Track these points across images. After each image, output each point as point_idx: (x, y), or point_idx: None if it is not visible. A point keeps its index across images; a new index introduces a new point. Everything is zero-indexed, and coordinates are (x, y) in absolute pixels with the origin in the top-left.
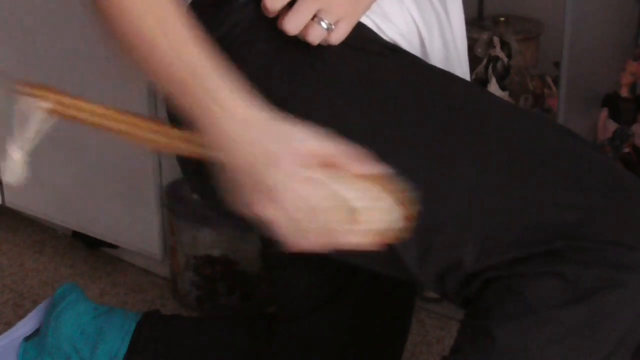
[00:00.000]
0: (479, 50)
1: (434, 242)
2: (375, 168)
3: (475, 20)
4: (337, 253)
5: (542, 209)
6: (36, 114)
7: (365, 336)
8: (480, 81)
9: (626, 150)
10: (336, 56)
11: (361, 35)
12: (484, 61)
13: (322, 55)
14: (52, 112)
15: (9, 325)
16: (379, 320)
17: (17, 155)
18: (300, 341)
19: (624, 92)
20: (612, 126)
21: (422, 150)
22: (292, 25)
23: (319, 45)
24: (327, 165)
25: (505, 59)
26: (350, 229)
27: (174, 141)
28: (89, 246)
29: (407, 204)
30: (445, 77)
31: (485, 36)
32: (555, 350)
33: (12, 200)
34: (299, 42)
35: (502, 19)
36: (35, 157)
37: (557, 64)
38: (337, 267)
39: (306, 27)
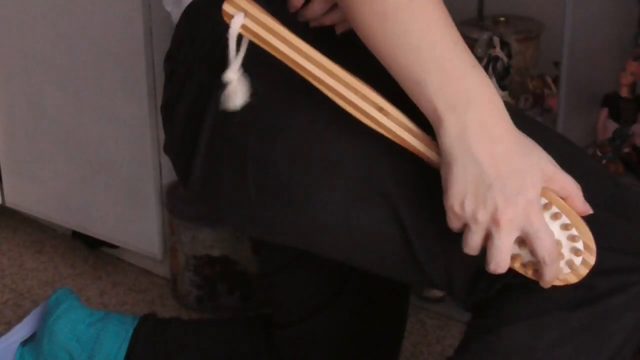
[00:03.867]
0: (479, 50)
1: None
2: (586, 208)
3: (475, 20)
4: (356, 262)
5: None
6: (235, 31)
7: (362, 337)
8: None
9: (626, 150)
10: None
11: None
12: (484, 61)
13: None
14: (246, 29)
15: (9, 325)
16: (376, 319)
17: (234, 77)
18: (298, 344)
19: (624, 92)
20: (612, 126)
21: None
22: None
23: None
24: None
25: (505, 59)
26: (555, 267)
27: (396, 126)
28: (89, 246)
29: (594, 253)
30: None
31: (485, 36)
32: (562, 351)
33: (12, 200)
34: None
35: (502, 19)
36: (35, 157)
37: (557, 64)
38: (333, 270)
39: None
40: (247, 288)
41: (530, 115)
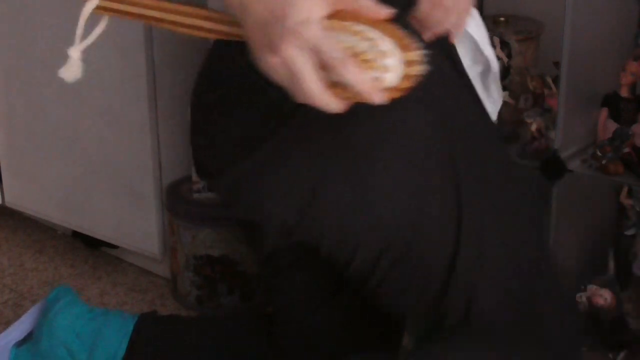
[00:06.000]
0: None
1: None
2: (385, 13)
3: None
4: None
5: None
6: (84, 13)
7: (362, 334)
8: None
9: (626, 150)
10: None
11: None
12: None
13: None
14: (98, 9)
15: (9, 325)
16: (376, 317)
17: (74, 53)
18: (299, 342)
19: (624, 92)
20: (612, 126)
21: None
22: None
23: None
24: (339, 11)
25: (505, 59)
26: (361, 78)
27: (218, 25)
28: (89, 246)
29: (413, 57)
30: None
31: None
32: None
33: (12, 200)
34: None
35: (502, 19)
36: (35, 157)
37: (557, 64)
38: (332, 270)
39: None
40: (247, 288)
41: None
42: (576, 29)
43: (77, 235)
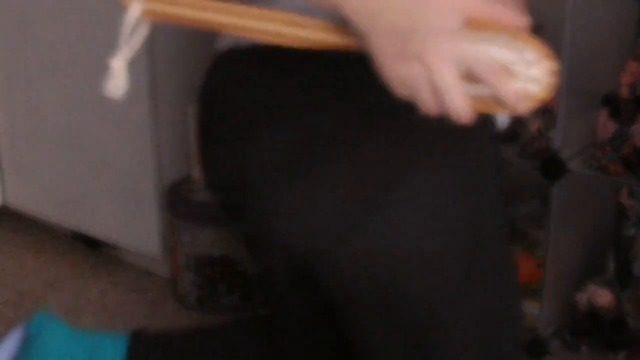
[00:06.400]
0: None
1: None
2: (522, 21)
3: None
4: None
5: None
6: (131, 17)
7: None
8: None
9: (626, 150)
10: None
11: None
12: None
13: None
14: (147, 13)
15: (9, 325)
16: None
17: (118, 65)
18: (299, 343)
19: (624, 92)
20: (612, 126)
21: None
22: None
23: None
24: (474, 19)
25: None
26: (510, 90)
27: (314, 32)
28: (89, 246)
29: (554, 67)
30: None
31: None
32: None
33: (12, 200)
34: None
35: None
36: (35, 157)
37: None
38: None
39: None
40: (247, 288)
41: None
42: (576, 29)
43: (77, 235)
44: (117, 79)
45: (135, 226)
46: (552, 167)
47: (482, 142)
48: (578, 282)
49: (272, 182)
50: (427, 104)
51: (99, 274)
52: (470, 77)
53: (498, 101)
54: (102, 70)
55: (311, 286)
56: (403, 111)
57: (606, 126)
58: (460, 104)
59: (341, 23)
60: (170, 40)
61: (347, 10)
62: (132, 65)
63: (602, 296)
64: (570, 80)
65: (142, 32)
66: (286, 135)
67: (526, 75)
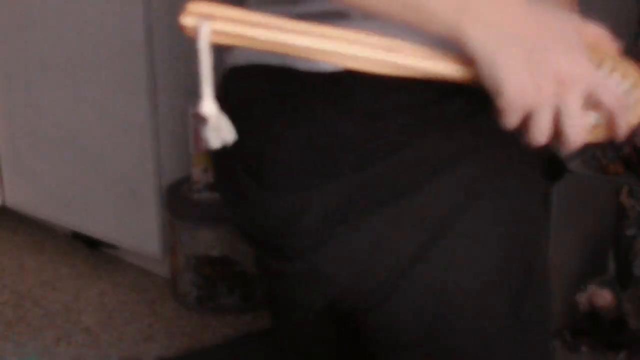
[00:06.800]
0: None
1: None
2: (617, 44)
3: None
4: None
5: None
6: (203, 43)
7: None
8: None
9: (626, 150)
10: None
11: None
12: None
13: None
14: (217, 35)
15: (9, 325)
16: None
17: (212, 110)
18: (300, 342)
19: None
20: None
21: None
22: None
23: None
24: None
25: None
26: (624, 119)
27: (414, 59)
28: (89, 246)
29: None
30: None
31: None
32: None
33: (12, 200)
34: None
35: None
36: (35, 157)
37: None
38: None
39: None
40: (247, 288)
41: None
42: None
43: (77, 235)
44: (220, 127)
45: (135, 226)
46: (552, 167)
47: (534, 166)
48: (578, 282)
49: (329, 226)
50: (541, 130)
51: (99, 274)
52: (588, 104)
53: (609, 130)
54: (102, 70)
55: (341, 320)
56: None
57: None
58: (580, 133)
59: (446, 51)
60: (171, 40)
61: (467, 36)
62: (132, 65)
63: (602, 296)
64: None
65: (207, 57)
66: (345, 178)
67: (632, 105)
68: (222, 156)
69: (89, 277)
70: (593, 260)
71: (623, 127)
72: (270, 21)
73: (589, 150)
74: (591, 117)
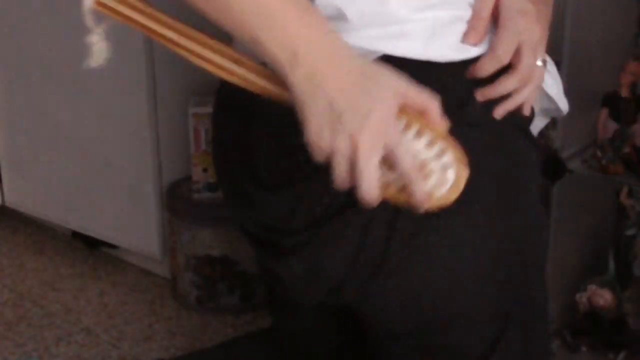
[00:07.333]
0: None
1: None
2: (444, 125)
3: None
4: None
5: None
6: (87, 6)
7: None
8: None
9: (626, 150)
10: None
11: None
12: None
13: None
14: (98, 4)
15: (9, 325)
16: None
17: (96, 38)
18: (300, 341)
19: (624, 92)
20: (612, 126)
21: None
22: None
23: None
24: (411, 113)
25: None
26: (422, 189)
27: (252, 74)
28: (89, 246)
29: (465, 163)
30: None
31: None
32: None
33: (12, 200)
34: None
35: None
36: (35, 157)
37: (557, 64)
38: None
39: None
40: (247, 288)
41: None
42: (576, 29)
43: (77, 235)
44: (98, 51)
45: (135, 226)
46: (552, 167)
47: (533, 162)
48: (578, 282)
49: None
50: (340, 176)
51: (99, 274)
52: (387, 162)
53: (407, 195)
54: (102, 70)
55: (341, 317)
56: None
57: (606, 126)
58: (372, 189)
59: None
60: None
61: (291, 77)
62: (132, 65)
63: (602, 296)
64: (570, 80)
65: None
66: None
67: (439, 178)
68: (221, 155)
69: (89, 277)
70: (593, 260)
71: (417, 193)
72: (154, 13)
73: (589, 150)
74: (389, 177)
